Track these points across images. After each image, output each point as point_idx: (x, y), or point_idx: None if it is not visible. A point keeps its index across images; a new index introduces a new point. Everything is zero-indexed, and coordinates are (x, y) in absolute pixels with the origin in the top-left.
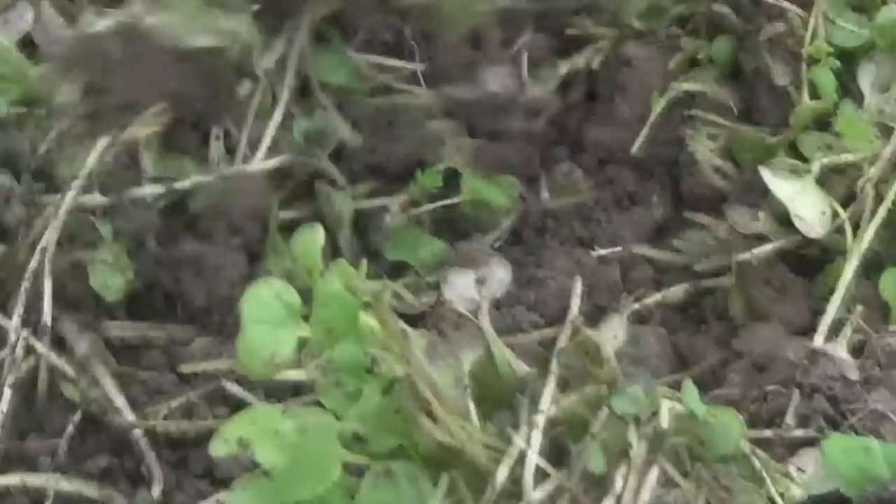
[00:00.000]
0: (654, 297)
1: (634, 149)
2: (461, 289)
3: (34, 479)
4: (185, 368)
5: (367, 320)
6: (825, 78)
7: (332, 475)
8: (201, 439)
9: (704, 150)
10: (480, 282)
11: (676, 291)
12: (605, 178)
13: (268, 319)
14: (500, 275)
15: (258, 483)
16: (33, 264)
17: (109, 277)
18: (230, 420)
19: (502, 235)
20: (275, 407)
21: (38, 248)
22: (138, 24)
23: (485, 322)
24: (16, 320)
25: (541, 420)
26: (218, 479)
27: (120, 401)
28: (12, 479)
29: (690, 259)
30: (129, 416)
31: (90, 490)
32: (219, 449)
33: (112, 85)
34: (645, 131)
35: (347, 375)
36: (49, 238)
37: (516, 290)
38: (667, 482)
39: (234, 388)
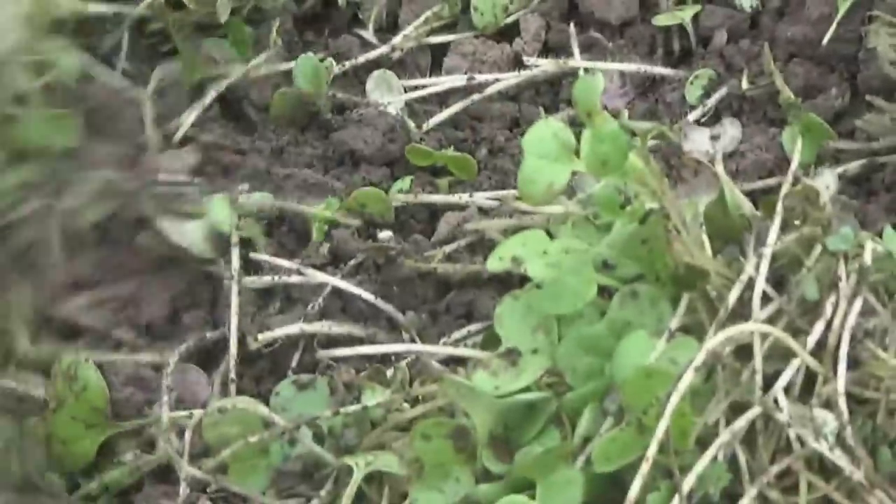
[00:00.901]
0: (836, 170)
1: (825, 42)
2: (698, 142)
3: (309, 328)
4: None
5: (632, 158)
6: None
7: (589, 294)
8: (463, 282)
9: (884, 43)
10: (715, 137)
11: (854, 166)
12: (793, 70)
13: (546, 154)
14: (732, 132)
15: (528, 294)
16: None
17: None
18: (504, 242)
19: (706, 113)
20: (542, 231)
21: None
22: None
23: (719, 168)
24: None
25: (768, 252)
26: (476, 319)
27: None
28: (292, 329)
29: (867, 138)
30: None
31: (357, 330)
32: (494, 265)
33: None
34: (832, 28)
35: (603, 209)
36: None
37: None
38: (868, 311)
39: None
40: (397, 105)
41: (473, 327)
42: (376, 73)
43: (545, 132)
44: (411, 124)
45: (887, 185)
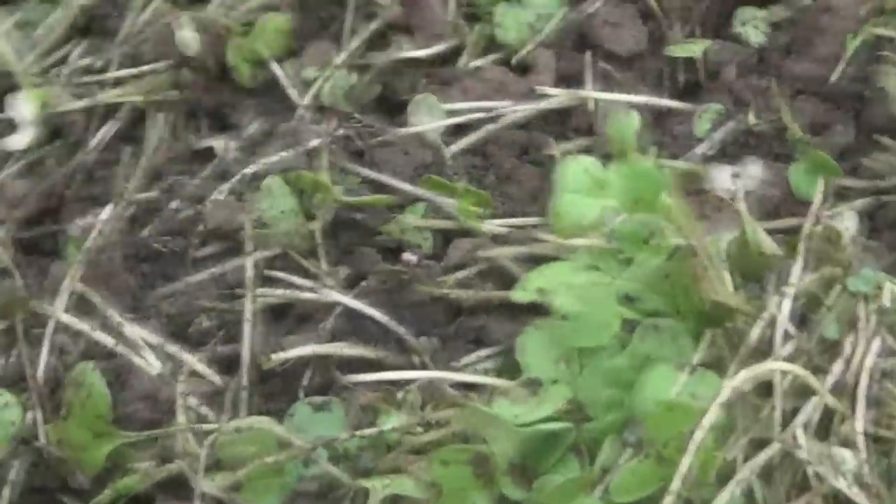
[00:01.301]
0: (840, 207)
1: (832, 80)
2: (720, 180)
3: (322, 349)
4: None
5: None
6: None
7: (613, 328)
8: (474, 308)
9: (893, 83)
10: (736, 175)
11: (859, 203)
12: (800, 106)
13: (578, 189)
14: (753, 171)
15: (552, 326)
16: None
17: None
18: (530, 273)
19: (713, 147)
20: (569, 264)
21: None
22: None
23: (741, 207)
24: None
25: (790, 291)
26: (486, 345)
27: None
28: (305, 350)
29: (873, 176)
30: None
31: (368, 352)
32: (520, 296)
33: None
34: (840, 67)
35: (627, 243)
36: None
37: None
38: (887, 351)
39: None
40: (436, 132)
41: (484, 352)
42: (419, 97)
43: (577, 168)
44: (446, 151)
45: (891, 223)
